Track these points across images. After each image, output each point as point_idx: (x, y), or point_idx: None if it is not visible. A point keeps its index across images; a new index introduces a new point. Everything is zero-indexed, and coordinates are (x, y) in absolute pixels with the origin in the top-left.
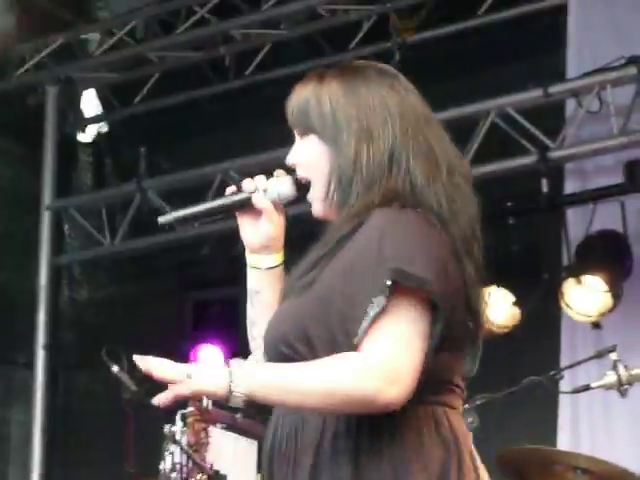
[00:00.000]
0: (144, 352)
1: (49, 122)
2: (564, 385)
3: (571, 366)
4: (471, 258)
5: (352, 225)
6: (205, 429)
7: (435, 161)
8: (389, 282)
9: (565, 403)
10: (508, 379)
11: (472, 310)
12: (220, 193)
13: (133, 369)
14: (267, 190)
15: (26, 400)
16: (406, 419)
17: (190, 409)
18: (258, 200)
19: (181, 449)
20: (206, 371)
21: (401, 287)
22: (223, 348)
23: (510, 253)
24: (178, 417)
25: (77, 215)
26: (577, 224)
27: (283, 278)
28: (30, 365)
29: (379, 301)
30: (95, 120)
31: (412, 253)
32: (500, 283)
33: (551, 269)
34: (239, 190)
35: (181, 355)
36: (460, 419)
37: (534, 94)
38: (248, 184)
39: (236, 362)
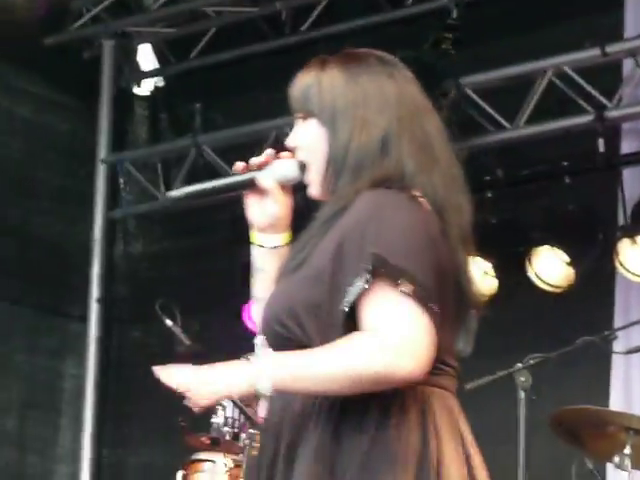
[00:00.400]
0: (198, 307)
1: (105, 76)
2: (617, 345)
3: (625, 327)
4: (465, 246)
5: (340, 206)
6: None
7: (431, 152)
8: (369, 267)
9: (618, 363)
10: (561, 339)
11: (462, 291)
12: (275, 149)
13: (186, 323)
14: (274, 170)
15: (79, 353)
16: (394, 399)
17: None
18: (263, 180)
19: (233, 403)
20: (230, 372)
21: (380, 273)
22: None
23: (565, 213)
24: None
25: (132, 169)
26: (633, 184)
27: None
28: (84, 318)
29: (358, 283)
30: (151, 74)
31: (393, 238)
32: (554, 243)
33: (606, 229)
34: (247, 169)
35: (234, 311)
36: (449, 400)
37: (591, 53)
38: (256, 162)
39: (259, 351)
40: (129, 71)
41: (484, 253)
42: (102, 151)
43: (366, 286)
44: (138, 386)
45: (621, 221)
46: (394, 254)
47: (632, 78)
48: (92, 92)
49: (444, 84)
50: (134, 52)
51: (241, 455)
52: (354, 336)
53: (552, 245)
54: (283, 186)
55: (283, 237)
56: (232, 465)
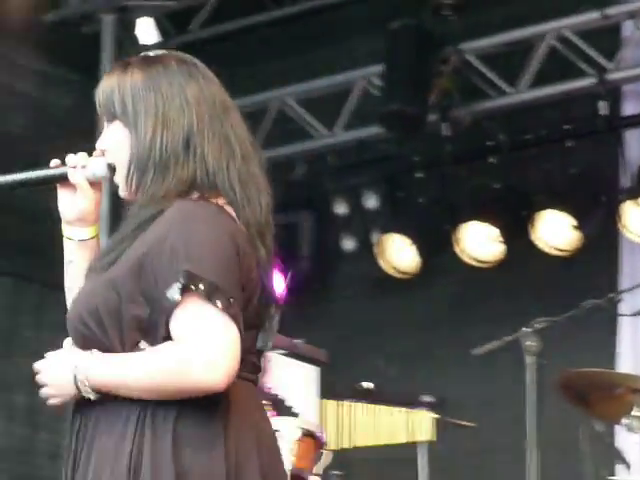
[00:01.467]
0: None
1: (105, 51)
2: (624, 307)
3: (631, 289)
4: (264, 243)
5: (152, 211)
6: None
7: (231, 148)
8: (181, 282)
9: (625, 326)
10: (567, 303)
11: (265, 290)
12: (278, 120)
13: None
14: (85, 167)
15: None
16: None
17: None
18: (72, 176)
19: None
20: (54, 370)
21: (191, 290)
22: (283, 274)
23: (568, 176)
24: None
25: None
26: (635, 146)
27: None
28: None
29: (173, 295)
30: (151, 48)
31: (202, 253)
32: (559, 206)
33: (609, 192)
34: (62, 164)
35: None
36: (251, 392)
37: (591, 16)
38: (70, 159)
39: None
40: (129, 45)
41: (489, 219)
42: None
43: (178, 299)
44: None
45: (624, 183)
46: (205, 270)
47: (632, 40)
48: (93, 67)
49: (445, 51)
50: (134, 26)
51: None
52: (169, 346)
53: (557, 209)
54: (92, 183)
55: (90, 231)
56: None
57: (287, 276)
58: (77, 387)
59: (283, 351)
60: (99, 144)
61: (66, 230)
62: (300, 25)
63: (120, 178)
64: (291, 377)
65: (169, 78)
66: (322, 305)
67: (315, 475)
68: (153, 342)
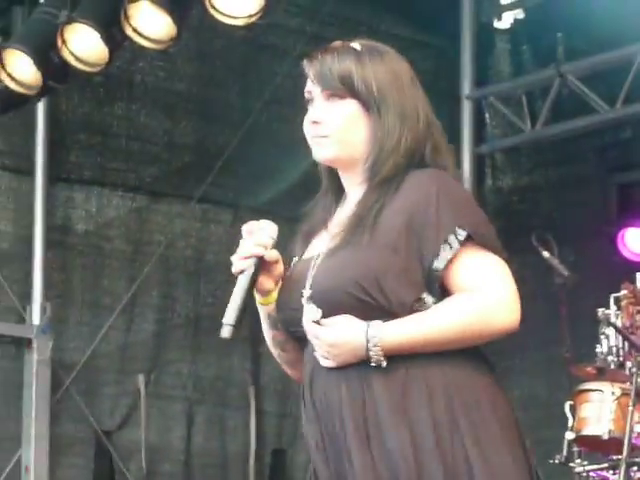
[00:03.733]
0: (571, 237)
1: (466, 11)
2: None
3: None
4: None
5: (391, 186)
6: None
7: (445, 139)
8: (458, 234)
9: None
10: None
11: None
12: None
13: (562, 254)
14: (267, 244)
15: None
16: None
17: (623, 292)
18: (270, 255)
19: (617, 331)
20: (344, 331)
21: (469, 240)
22: None
23: None
24: (612, 300)
25: (497, 103)
26: None
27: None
28: None
29: (453, 246)
30: (511, 7)
31: (468, 208)
32: None
33: None
34: (242, 265)
35: (608, 239)
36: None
37: None
38: (250, 250)
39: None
40: (489, 5)
41: None
42: (466, 87)
43: (458, 248)
44: None
45: None
46: (475, 221)
47: None
48: (452, 29)
49: None
50: None
51: (628, 383)
52: (466, 295)
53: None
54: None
55: (277, 281)
56: (620, 393)
57: None
58: (367, 350)
59: None
60: (315, 115)
61: (262, 299)
62: None
63: (336, 146)
64: None
65: (402, 73)
66: None
67: None
68: (434, 294)
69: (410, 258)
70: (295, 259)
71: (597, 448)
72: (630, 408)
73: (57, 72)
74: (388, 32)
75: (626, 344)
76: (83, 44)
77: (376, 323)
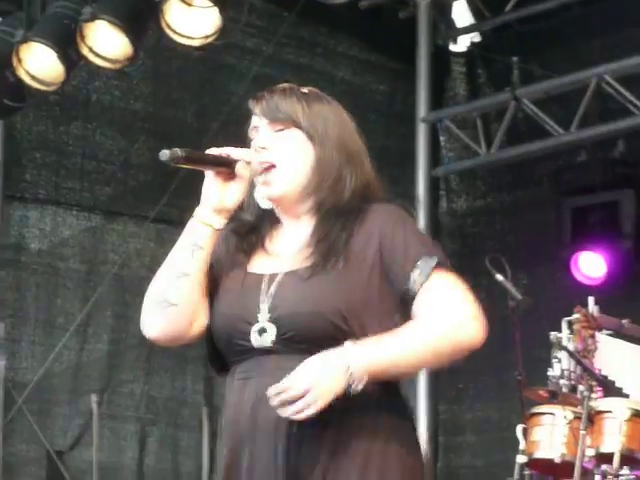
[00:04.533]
0: (524, 260)
1: (422, 35)
2: None
3: None
4: None
5: (351, 215)
6: (592, 335)
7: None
8: (427, 262)
9: None
10: None
11: None
12: (595, 98)
13: (515, 277)
14: (250, 164)
15: None
16: None
17: (576, 316)
18: (242, 169)
19: (569, 355)
20: (318, 372)
21: (437, 266)
22: (604, 254)
23: None
24: (564, 324)
25: (452, 126)
26: None
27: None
28: None
29: (425, 272)
30: (467, 30)
31: (426, 239)
32: None
33: None
34: (226, 155)
35: (562, 263)
36: None
37: None
38: (240, 153)
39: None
40: (445, 28)
41: None
42: (422, 110)
43: (429, 273)
44: None
45: None
46: (436, 249)
47: None
48: (409, 52)
49: None
50: (449, 9)
51: (580, 407)
52: (436, 314)
53: None
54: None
55: (224, 223)
56: (572, 417)
57: (608, 257)
58: (348, 379)
59: (610, 332)
60: (263, 142)
61: (206, 216)
62: (613, 2)
63: (283, 180)
64: (619, 357)
65: (351, 123)
66: None
67: None
68: (405, 315)
69: (383, 286)
70: (221, 262)
71: (549, 471)
72: (582, 432)
73: (13, 91)
74: (345, 54)
75: (578, 368)
76: (39, 63)
77: (349, 345)
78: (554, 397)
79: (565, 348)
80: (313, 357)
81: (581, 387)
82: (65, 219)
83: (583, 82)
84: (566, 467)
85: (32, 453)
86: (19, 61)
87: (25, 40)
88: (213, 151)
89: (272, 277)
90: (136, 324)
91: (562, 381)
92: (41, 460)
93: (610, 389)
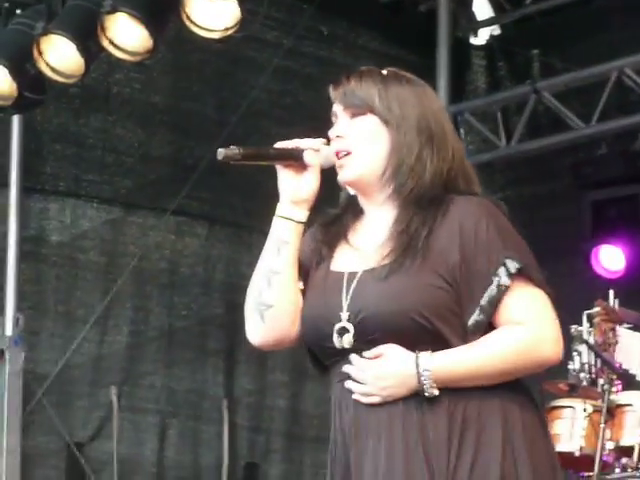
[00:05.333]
0: (545, 255)
1: (442, 27)
2: None
3: None
4: None
5: (433, 206)
6: (612, 329)
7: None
8: (508, 269)
9: None
10: None
11: None
12: (615, 91)
13: None
14: (319, 152)
15: None
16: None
17: (596, 309)
18: (309, 157)
19: (589, 348)
20: (390, 365)
21: (519, 274)
22: (623, 248)
23: None
24: (585, 317)
25: (472, 119)
26: None
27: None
28: None
29: (503, 281)
30: (487, 23)
31: (515, 241)
32: None
33: None
34: (294, 147)
35: (582, 256)
36: None
37: None
38: (308, 142)
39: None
40: (465, 21)
41: None
42: (442, 102)
43: (508, 284)
44: None
45: None
46: (523, 255)
47: None
48: (429, 45)
49: None
50: (470, 2)
51: (600, 400)
52: (515, 328)
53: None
54: (321, 169)
55: (307, 214)
56: (591, 410)
57: (628, 250)
58: (419, 381)
59: (630, 325)
60: (337, 129)
61: (286, 210)
62: None
63: (359, 162)
64: (639, 351)
65: (436, 104)
66: None
67: None
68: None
69: (462, 287)
70: (308, 258)
71: (568, 465)
72: (601, 425)
73: (33, 83)
74: (364, 47)
75: (598, 361)
76: (59, 55)
77: (425, 353)
78: (574, 390)
79: (585, 341)
80: (396, 351)
81: (601, 380)
82: (85, 211)
83: (603, 75)
84: (586, 460)
85: (52, 445)
86: (39, 53)
87: (45, 32)
88: (280, 145)
89: (352, 275)
90: (156, 316)
91: (582, 374)
92: (61, 452)
93: (630, 382)
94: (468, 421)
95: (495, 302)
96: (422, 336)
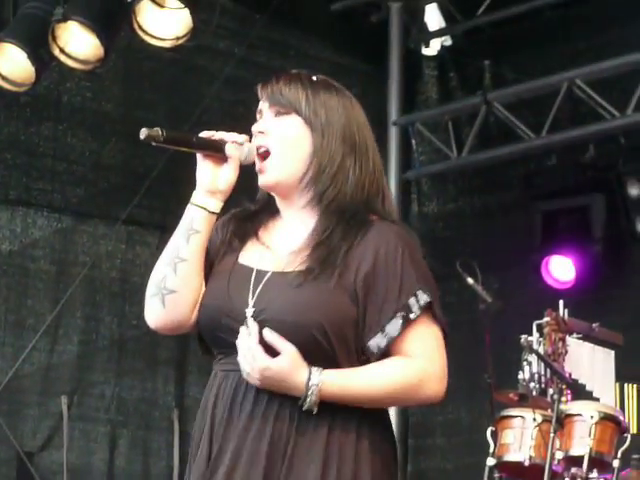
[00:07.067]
0: (496, 264)
1: (393, 37)
2: None
3: None
4: None
5: (354, 224)
6: (562, 339)
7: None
8: (418, 302)
9: None
10: None
11: None
12: (566, 102)
13: (486, 281)
14: (241, 146)
15: None
16: None
17: (546, 319)
18: (231, 149)
19: (539, 358)
20: (288, 361)
21: (427, 313)
22: (574, 259)
23: None
24: (534, 327)
25: (424, 129)
26: None
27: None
28: None
29: (413, 313)
30: (439, 34)
31: (427, 275)
32: None
33: None
34: (218, 138)
35: (532, 266)
36: None
37: None
38: (231, 135)
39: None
40: (416, 32)
41: None
42: (393, 113)
43: (413, 317)
44: None
45: None
46: (434, 291)
47: None
48: (380, 55)
49: None
50: (421, 12)
51: (549, 410)
52: (408, 361)
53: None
54: (241, 164)
55: (221, 206)
56: (541, 420)
57: (578, 261)
58: (305, 396)
59: (580, 335)
60: (262, 126)
61: (201, 199)
62: (585, 6)
63: (277, 167)
64: (589, 361)
65: (361, 116)
66: (615, 289)
67: (617, 459)
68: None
69: (368, 309)
70: (216, 247)
71: (518, 474)
72: (551, 435)
73: None
74: (316, 56)
75: (548, 371)
76: (10, 64)
77: (317, 370)
78: (524, 400)
79: (535, 351)
80: (297, 356)
81: (551, 390)
82: (35, 220)
83: (554, 86)
84: (535, 470)
85: (2, 454)
86: None
87: None
88: (205, 134)
89: (260, 273)
90: (106, 325)
91: (532, 384)
92: (11, 461)
93: (580, 392)
94: (331, 440)
95: (400, 330)
96: (315, 352)
